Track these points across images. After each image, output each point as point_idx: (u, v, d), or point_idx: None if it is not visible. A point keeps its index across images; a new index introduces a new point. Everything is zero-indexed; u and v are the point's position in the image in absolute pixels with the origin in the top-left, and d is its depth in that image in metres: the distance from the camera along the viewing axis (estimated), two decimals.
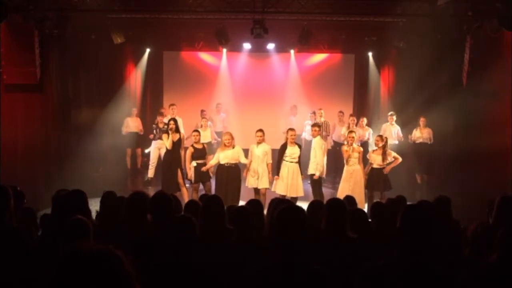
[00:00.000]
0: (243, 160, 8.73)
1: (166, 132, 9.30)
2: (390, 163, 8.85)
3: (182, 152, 9.48)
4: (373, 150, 9.03)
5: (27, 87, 9.11)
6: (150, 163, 10.76)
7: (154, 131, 10.67)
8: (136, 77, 11.64)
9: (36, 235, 4.70)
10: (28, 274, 2.82)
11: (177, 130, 9.23)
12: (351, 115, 11.05)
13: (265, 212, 5.00)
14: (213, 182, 8.99)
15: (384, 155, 8.79)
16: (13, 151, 8.93)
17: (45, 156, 9.60)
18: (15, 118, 9.04)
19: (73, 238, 3.14)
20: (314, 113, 11.10)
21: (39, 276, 2.67)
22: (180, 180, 9.00)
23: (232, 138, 8.73)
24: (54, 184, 7.58)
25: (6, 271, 2.76)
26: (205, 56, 11.81)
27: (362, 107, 12.19)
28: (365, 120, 10.93)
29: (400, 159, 8.90)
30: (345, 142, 9.15)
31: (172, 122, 9.12)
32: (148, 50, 11.54)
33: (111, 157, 11.12)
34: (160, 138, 10.33)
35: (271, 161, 8.83)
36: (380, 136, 9.02)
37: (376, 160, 8.82)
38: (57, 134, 9.89)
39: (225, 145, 8.72)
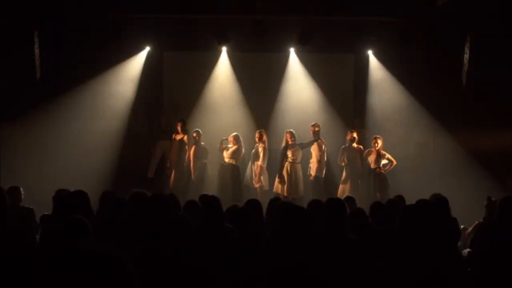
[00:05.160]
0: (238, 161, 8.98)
1: (168, 132, 9.46)
2: (385, 165, 8.89)
3: (186, 154, 9.64)
4: (368, 150, 9.06)
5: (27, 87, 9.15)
6: (151, 163, 10.79)
7: (156, 131, 10.71)
8: (136, 77, 11.62)
9: (36, 235, 4.70)
10: (28, 274, 2.81)
11: (183, 131, 9.42)
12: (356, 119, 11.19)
13: (264, 211, 5.00)
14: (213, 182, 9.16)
15: (378, 156, 8.82)
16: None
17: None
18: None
19: (72, 237, 3.14)
20: None
21: (39, 276, 2.67)
22: (171, 184, 9.23)
23: (236, 139, 8.93)
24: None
25: (6, 270, 2.76)
26: (205, 56, 11.79)
27: (362, 107, 12.17)
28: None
29: (395, 162, 8.93)
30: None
31: (180, 122, 9.34)
32: (148, 50, 11.52)
33: (112, 157, 11.12)
34: (162, 138, 10.39)
35: (261, 163, 8.99)
36: (376, 138, 9.05)
37: (370, 160, 8.89)
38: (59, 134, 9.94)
39: (233, 143, 9.06)
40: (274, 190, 8.92)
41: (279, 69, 11.35)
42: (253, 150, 9.31)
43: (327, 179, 9.48)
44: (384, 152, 8.97)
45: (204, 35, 10.56)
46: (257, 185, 9.07)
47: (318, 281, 2.90)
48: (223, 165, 9.19)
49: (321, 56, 11.44)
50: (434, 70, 10.11)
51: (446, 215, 4.72)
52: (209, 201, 4.15)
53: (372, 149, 8.99)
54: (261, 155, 9.01)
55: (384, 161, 8.95)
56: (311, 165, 9.19)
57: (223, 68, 11.39)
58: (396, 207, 4.91)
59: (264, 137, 9.21)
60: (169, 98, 11.61)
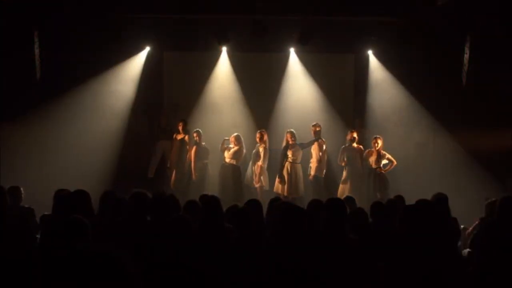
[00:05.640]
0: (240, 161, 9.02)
1: (168, 132, 9.50)
2: (385, 165, 8.90)
3: (188, 155, 9.67)
4: (368, 150, 9.07)
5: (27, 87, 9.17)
6: (151, 163, 10.80)
7: (156, 131, 10.74)
8: (136, 77, 11.62)
9: (36, 235, 4.70)
10: (28, 274, 2.82)
11: (185, 131, 9.49)
12: (356, 119, 11.18)
13: (264, 211, 5.00)
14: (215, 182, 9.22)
15: (378, 156, 8.83)
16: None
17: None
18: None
19: (72, 237, 3.14)
20: None
21: (39, 276, 2.67)
22: (172, 184, 9.28)
23: (238, 139, 8.97)
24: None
25: (6, 270, 2.76)
26: (205, 56, 11.79)
27: (362, 107, 12.18)
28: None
29: (395, 163, 8.94)
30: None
31: (181, 122, 9.38)
32: (148, 50, 11.54)
33: (112, 157, 11.13)
34: (162, 138, 10.41)
35: (262, 163, 9.01)
36: (376, 138, 9.06)
37: (370, 160, 8.91)
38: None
39: (234, 144, 9.11)
40: (275, 190, 8.94)
41: (279, 69, 11.35)
42: (254, 150, 9.33)
43: (327, 179, 9.49)
44: (384, 152, 8.98)
45: (204, 35, 10.57)
46: (257, 185, 9.09)
47: (318, 281, 2.90)
48: (224, 165, 9.24)
49: (321, 56, 11.43)
50: (434, 70, 10.11)
51: (446, 215, 4.73)
52: (209, 201, 4.15)
53: (372, 149, 9.00)
54: (261, 155, 9.02)
55: (384, 161, 8.96)
56: (311, 165, 9.21)
57: (223, 68, 11.38)
58: (396, 207, 4.91)
59: (265, 137, 9.24)
60: (169, 98, 11.60)
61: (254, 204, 4.80)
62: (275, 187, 9.03)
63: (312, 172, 9.08)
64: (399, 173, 9.44)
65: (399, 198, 5.75)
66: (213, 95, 11.36)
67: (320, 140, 9.20)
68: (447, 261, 3.58)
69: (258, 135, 9.26)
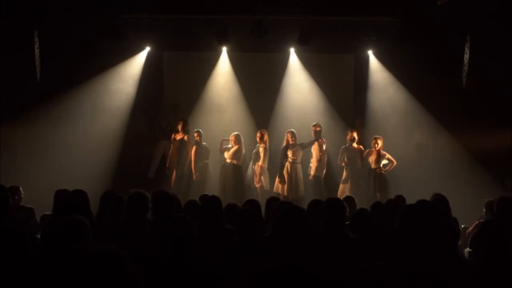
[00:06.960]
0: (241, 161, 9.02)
1: (168, 132, 9.50)
2: (385, 165, 8.90)
3: (188, 155, 9.67)
4: (368, 150, 9.07)
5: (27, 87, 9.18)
6: (151, 163, 10.80)
7: (156, 132, 10.75)
8: (136, 77, 11.62)
9: (36, 235, 4.70)
10: (28, 274, 2.82)
11: (184, 131, 9.47)
12: (356, 119, 11.17)
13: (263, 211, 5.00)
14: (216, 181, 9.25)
15: (378, 156, 8.83)
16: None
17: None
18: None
19: (71, 237, 3.14)
20: None
21: (40, 276, 2.67)
22: (172, 184, 9.27)
23: (237, 139, 8.96)
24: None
25: (6, 271, 2.76)
26: (205, 56, 11.80)
27: (362, 107, 12.18)
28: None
29: (395, 162, 8.94)
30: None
31: (181, 122, 9.37)
32: (148, 50, 11.54)
33: (112, 157, 11.13)
34: (162, 138, 10.41)
35: (262, 163, 9.02)
36: (376, 138, 9.06)
37: (370, 160, 8.92)
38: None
39: (234, 143, 9.11)
40: (275, 190, 8.95)
41: (279, 69, 11.35)
42: (254, 150, 9.34)
43: (327, 179, 9.49)
44: (384, 152, 8.98)
45: (204, 35, 10.56)
46: (257, 185, 9.09)
47: (318, 281, 2.90)
48: (225, 165, 9.24)
49: (321, 56, 11.43)
50: (434, 70, 10.12)
51: (446, 215, 4.73)
52: (209, 201, 4.15)
53: (372, 149, 9.00)
54: (261, 155, 9.02)
55: (384, 161, 8.96)
56: (311, 165, 9.21)
57: (223, 68, 11.38)
58: (396, 207, 4.91)
59: (265, 137, 9.25)
60: (169, 98, 11.60)
61: (252, 204, 4.79)
62: (275, 187, 9.04)
63: (312, 172, 9.09)
64: (399, 173, 9.44)
65: (399, 198, 5.76)
66: (213, 95, 11.35)
67: (320, 140, 9.20)
68: (447, 261, 3.58)
69: (258, 135, 9.26)
